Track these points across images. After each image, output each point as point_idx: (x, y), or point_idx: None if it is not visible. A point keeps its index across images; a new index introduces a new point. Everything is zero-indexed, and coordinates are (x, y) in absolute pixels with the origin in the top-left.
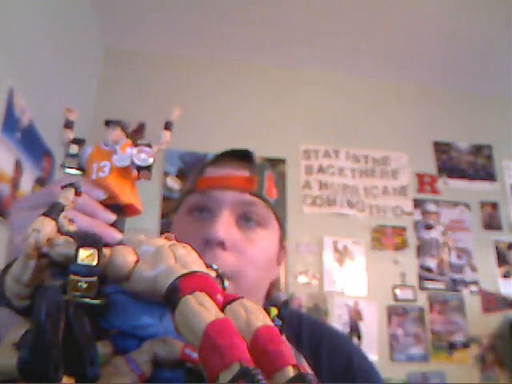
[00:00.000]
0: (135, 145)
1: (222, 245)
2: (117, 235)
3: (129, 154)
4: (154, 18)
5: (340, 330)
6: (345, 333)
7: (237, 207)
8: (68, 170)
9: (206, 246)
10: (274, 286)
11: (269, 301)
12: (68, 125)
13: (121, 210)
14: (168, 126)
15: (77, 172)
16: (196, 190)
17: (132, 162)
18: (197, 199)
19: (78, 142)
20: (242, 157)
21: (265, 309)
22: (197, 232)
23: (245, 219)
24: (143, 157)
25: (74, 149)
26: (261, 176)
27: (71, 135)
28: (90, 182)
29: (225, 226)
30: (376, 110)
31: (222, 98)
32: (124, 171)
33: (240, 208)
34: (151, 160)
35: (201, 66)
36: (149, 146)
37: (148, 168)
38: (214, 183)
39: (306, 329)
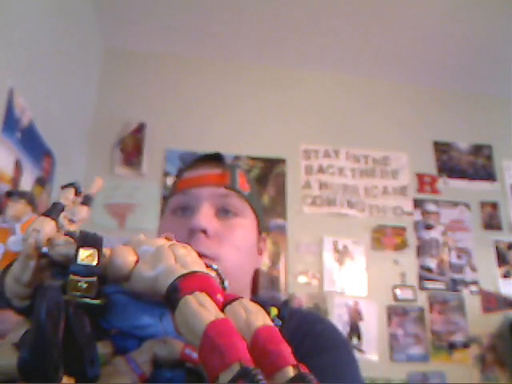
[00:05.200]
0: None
1: (204, 233)
2: None
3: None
4: (153, 18)
5: (321, 316)
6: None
7: (214, 200)
8: None
9: (190, 235)
10: (258, 276)
11: (255, 294)
12: None
13: None
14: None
15: None
16: (177, 192)
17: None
18: (178, 199)
19: None
20: (213, 159)
21: (265, 309)
22: (181, 226)
23: (223, 211)
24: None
25: None
26: (232, 172)
27: None
28: None
29: (205, 216)
30: (376, 110)
31: (221, 98)
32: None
33: (217, 201)
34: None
35: (200, 66)
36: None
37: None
38: (191, 183)
39: (295, 320)
